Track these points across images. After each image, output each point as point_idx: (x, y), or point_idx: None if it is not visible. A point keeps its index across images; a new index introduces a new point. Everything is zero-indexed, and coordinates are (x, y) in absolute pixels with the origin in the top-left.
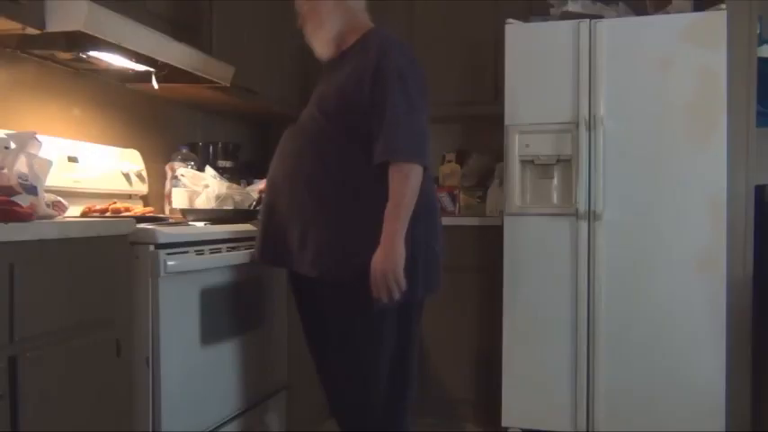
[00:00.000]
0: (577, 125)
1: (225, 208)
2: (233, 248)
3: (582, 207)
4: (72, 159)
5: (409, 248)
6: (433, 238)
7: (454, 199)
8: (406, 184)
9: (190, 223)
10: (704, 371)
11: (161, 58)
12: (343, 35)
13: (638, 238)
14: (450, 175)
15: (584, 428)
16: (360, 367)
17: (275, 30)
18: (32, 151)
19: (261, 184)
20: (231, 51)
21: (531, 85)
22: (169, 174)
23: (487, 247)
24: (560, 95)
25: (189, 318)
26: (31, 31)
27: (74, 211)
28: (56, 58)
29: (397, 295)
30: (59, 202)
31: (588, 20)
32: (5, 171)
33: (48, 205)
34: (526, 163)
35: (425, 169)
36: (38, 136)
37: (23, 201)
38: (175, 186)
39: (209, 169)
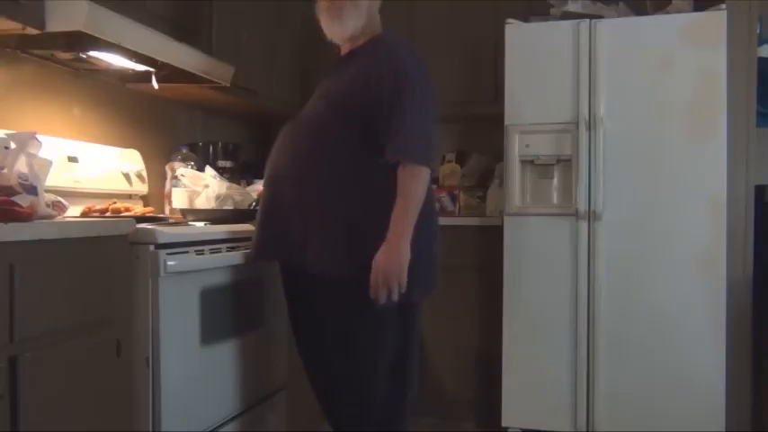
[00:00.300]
0: (577, 125)
1: (225, 208)
2: (233, 248)
3: (582, 207)
4: (72, 159)
5: (412, 250)
6: (433, 240)
7: (454, 199)
8: (416, 185)
9: (190, 223)
10: (704, 371)
11: (161, 58)
12: (359, 35)
13: (638, 238)
14: (450, 175)
15: (584, 428)
16: (358, 367)
17: (275, 30)
18: (32, 151)
19: (261, 185)
20: (231, 51)
21: (531, 85)
22: (169, 174)
23: (487, 247)
24: (560, 95)
25: (189, 318)
26: (31, 31)
27: (74, 211)
28: (56, 58)
29: (395, 296)
30: (59, 202)
31: (588, 20)
32: (5, 171)
33: (48, 205)
34: (526, 163)
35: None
36: (38, 136)
37: (23, 201)
38: (175, 186)
39: (209, 169)
